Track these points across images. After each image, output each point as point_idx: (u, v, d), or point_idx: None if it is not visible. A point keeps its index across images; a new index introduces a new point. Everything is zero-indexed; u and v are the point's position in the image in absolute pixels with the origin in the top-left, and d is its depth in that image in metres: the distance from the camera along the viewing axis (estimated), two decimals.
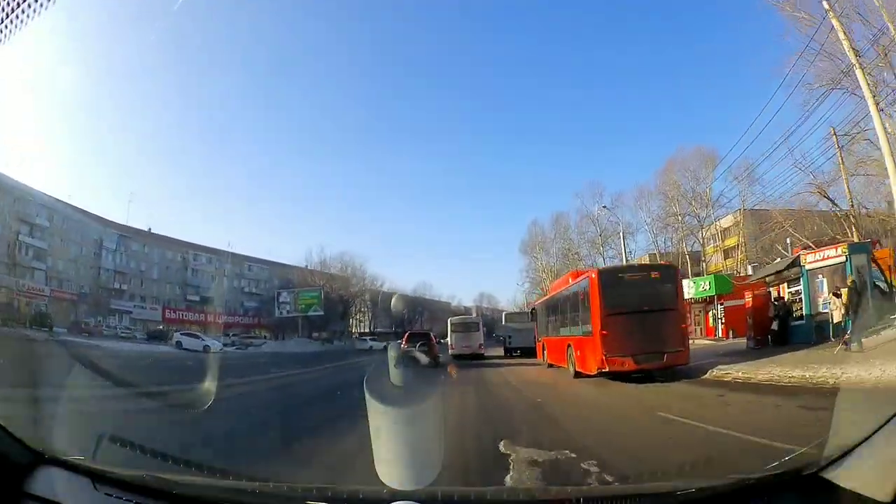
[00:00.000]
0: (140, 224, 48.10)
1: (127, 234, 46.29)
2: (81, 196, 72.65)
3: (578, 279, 12.84)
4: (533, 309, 20.63)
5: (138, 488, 1.82)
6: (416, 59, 76.52)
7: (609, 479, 3.05)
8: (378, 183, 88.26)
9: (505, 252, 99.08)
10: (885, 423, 1.51)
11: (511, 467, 3.58)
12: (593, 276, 11.15)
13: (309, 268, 55.69)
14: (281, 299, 53.14)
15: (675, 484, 2.14)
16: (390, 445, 1.84)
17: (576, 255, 43.85)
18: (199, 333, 32.64)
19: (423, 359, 16.05)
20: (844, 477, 1.52)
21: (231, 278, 55.56)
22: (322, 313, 50.49)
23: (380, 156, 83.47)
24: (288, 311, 51.80)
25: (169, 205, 74.07)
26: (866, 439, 1.56)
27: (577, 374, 11.59)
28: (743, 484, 1.79)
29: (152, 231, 48.65)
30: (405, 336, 21.09)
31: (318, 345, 44.93)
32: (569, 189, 79.38)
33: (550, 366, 15.35)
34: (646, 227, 39.88)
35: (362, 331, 64.10)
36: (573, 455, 3.92)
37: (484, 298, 74.50)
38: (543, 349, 16.82)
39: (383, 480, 1.77)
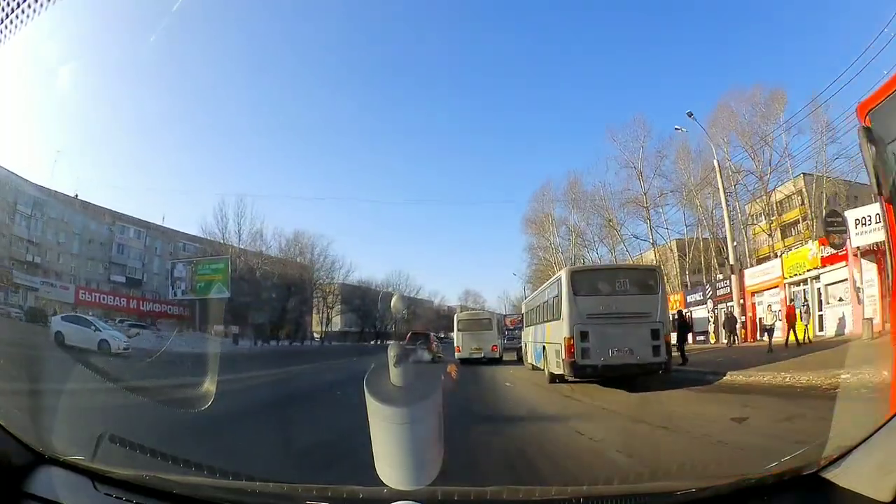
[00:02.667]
0: (65, 188, 39.81)
1: (47, 197, 38.57)
2: None
3: None
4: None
5: (138, 488, 1.84)
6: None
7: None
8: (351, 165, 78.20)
9: (493, 248, 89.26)
10: (885, 423, 1.56)
11: None
12: None
13: (264, 251, 44.45)
14: (175, 274, 40.11)
15: (675, 484, 2.19)
16: (390, 445, 1.85)
17: (609, 224, 32.40)
18: (93, 319, 22.01)
19: (425, 356, 16.93)
20: (844, 477, 1.56)
21: (163, 258, 47.09)
22: (229, 295, 37.52)
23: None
24: (183, 292, 39.42)
25: (102, 168, 63.12)
26: (866, 439, 1.60)
27: None
28: (743, 484, 1.83)
29: (79, 197, 40.35)
30: (408, 336, 22.42)
31: (217, 344, 29.06)
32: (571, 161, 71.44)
33: None
34: (681, 195, 29.15)
35: (331, 330, 56.75)
36: None
37: (469, 296, 70.03)
38: None
39: (383, 480, 1.78)
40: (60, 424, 3.25)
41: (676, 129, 24.95)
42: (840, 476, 1.58)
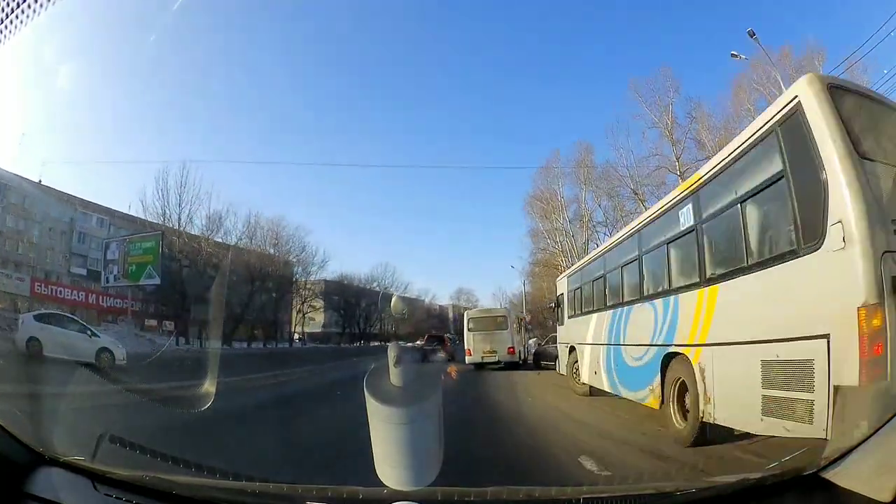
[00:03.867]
0: (30, 172, 37.15)
1: (8, 182, 37.28)
2: None
3: None
4: None
5: (138, 488, 1.85)
6: None
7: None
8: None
9: (488, 244, 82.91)
10: (885, 423, 1.58)
11: None
12: None
13: (221, 235, 37.85)
14: (108, 256, 34.42)
15: (675, 484, 2.20)
16: (390, 445, 1.85)
17: (635, 196, 26.62)
18: (85, 324, 16.20)
19: (441, 357, 18.72)
20: (844, 477, 1.57)
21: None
22: (158, 281, 31.61)
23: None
24: (115, 277, 34.08)
25: (71, 151, 56.84)
26: (866, 439, 1.61)
27: None
28: (743, 484, 1.84)
29: (42, 182, 35.43)
30: (426, 337, 26.49)
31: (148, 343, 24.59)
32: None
33: None
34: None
35: (311, 330, 51.97)
36: None
37: (462, 295, 66.61)
38: None
39: (383, 480, 1.78)
40: (59, 425, 3.15)
41: (733, 55, 19.42)
42: (840, 476, 1.59)
